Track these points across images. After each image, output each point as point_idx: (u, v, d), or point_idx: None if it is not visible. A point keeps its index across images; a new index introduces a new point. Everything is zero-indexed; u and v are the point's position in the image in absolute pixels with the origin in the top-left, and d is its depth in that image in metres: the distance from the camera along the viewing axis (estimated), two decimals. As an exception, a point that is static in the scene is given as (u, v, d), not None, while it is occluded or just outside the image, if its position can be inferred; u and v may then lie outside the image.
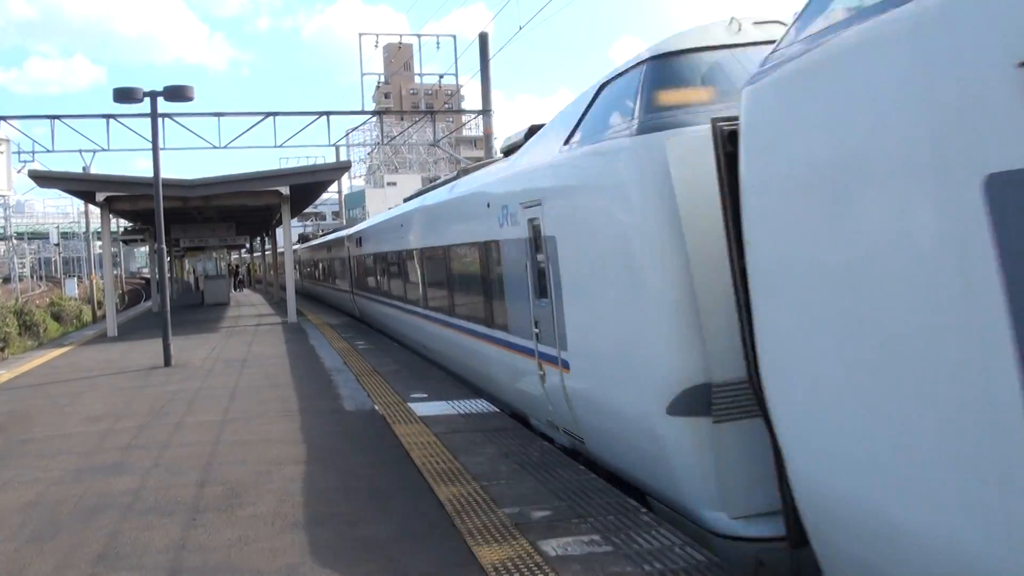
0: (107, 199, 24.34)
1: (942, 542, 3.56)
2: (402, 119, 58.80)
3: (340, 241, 30.79)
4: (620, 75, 7.45)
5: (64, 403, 12.75)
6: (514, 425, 9.56)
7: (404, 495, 7.11)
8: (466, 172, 13.55)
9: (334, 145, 42.26)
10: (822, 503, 4.41)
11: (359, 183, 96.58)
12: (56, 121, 28.56)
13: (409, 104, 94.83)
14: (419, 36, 42.00)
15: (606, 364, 7.30)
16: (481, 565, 5.45)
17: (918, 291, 3.52)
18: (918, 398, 3.60)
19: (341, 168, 32.11)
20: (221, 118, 29.63)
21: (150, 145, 17.82)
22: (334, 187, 51.69)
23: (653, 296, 6.37)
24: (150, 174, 18.02)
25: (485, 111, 32.03)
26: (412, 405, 11.08)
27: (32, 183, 27.53)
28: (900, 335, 3.66)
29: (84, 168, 33.82)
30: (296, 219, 51.68)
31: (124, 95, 17.14)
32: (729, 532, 6.04)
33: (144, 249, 73.36)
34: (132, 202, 25.01)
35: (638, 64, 7.06)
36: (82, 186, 25.84)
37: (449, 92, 60.02)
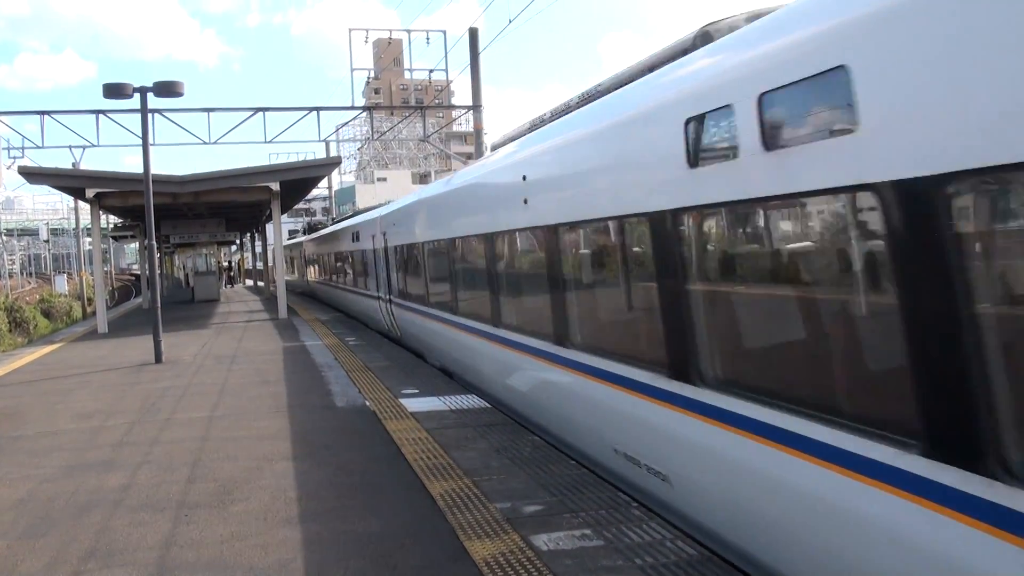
0: (97, 195, 24.26)
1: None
2: (392, 115, 58.67)
3: (299, 245, 45.41)
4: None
5: (55, 400, 12.72)
6: (504, 420, 9.59)
7: (396, 491, 7.13)
8: (357, 214, 29.72)
9: (324, 141, 42.18)
10: (402, 325, 17.90)
11: (349, 179, 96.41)
12: (46, 117, 28.39)
13: (399, 99, 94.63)
14: (409, 31, 41.87)
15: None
16: (473, 560, 5.48)
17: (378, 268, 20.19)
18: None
19: (331, 164, 32.05)
20: (211, 114, 29.48)
21: (140, 141, 17.77)
22: (324, 183, 51.57)
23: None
24: (140, 170, 17.99)
25: (475, 106, 31.99)
26: (403, 401, 11.09)
27: (21, 179, 27.48)
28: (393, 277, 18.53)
29: (74, 164, 33.62)
30: (286, 215, 51.59)
31: (114, 91, 17.08)
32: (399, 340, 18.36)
33: (134, 245, 73.11)
34: (122, 198, 24.93)
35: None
36: (72, 182, 25.73)
37: (439, 87, 59.92)
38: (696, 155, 5.40)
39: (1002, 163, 3.24)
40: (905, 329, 3.81)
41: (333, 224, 35.53)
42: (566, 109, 8.76)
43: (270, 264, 40.61)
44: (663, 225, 5.82)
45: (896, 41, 3.73)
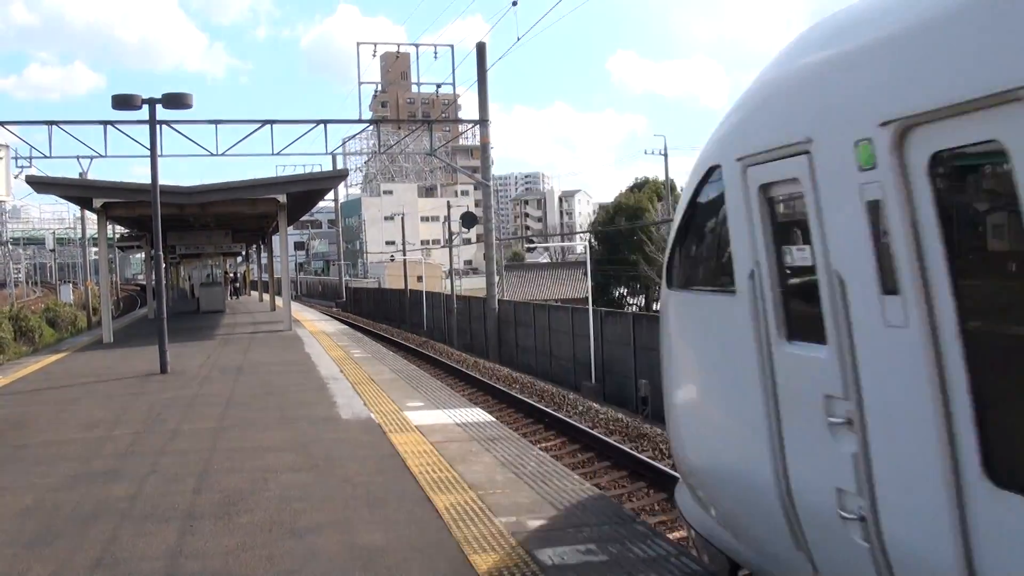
0: (104, 205, 24.32)
1: None
2: (399, 128, 58.83)
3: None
4: None
5: (60, 409, 12.75)
6: (510, 435, 9.61)
7: (401, 503, 7.14)
8: None
9: (331, 153, 42.46)
10: None
11: (355, 191, 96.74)
12: (54, 127, 28.61)
13: (406, 113, 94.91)
14: (417, 46, 42.14)
15: None
16: (478, 574, 5.48)
17: None
18: None
19: (338, 176, 32.25)
20: (219, 126, 29.71)
21: (148, 152, 17.86)
22: (331, 195, 51.73)
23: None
24: (147, 181, 18.05)
25: (482, 120, 32.09)
26: (408, 414, 11.11)
27: (28, 188, 27.65)
28: None
29: (81, 174, 33.78)
30: (291, 227, 51.78)
31: (123, 102, 17.17)
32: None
33: (139, 256, 73.37)
34: (129, 209, 25.00)
35: None
36: (79, 192, 25.85)
37: (446, 102, 60.14)
38: None
39: None
40: None
41: None
42: None
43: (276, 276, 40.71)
44: None
45: None
